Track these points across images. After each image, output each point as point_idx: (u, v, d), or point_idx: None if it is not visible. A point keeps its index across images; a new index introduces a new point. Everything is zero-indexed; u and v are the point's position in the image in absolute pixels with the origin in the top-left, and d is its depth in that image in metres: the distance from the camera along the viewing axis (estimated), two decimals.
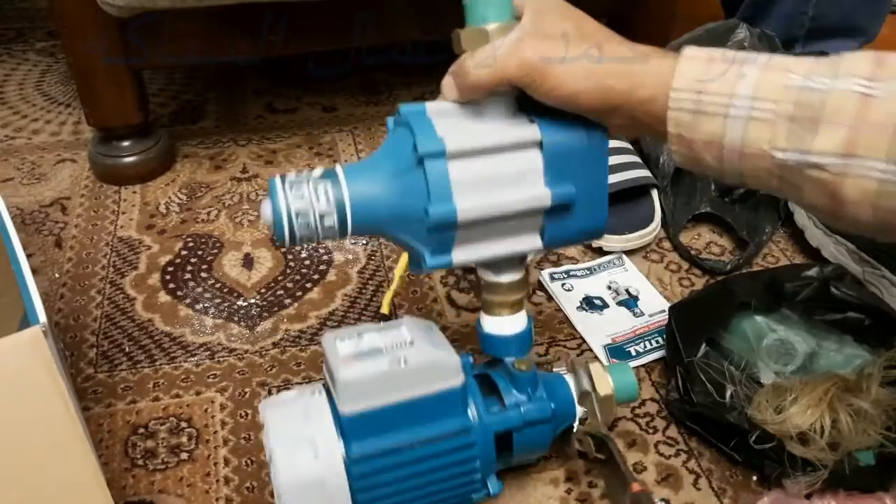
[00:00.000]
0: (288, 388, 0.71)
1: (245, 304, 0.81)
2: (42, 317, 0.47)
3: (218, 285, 0.83)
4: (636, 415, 0.69)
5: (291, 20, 0.92)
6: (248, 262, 0.86)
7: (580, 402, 0.59)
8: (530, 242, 0.52)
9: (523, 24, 0.48)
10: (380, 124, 1.11)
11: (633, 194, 0.88)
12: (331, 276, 0.84)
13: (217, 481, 0.63)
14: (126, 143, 0.97)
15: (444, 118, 0.50)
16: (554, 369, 0.61)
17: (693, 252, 0.86)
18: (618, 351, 0.75)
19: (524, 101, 0.50)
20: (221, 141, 1.08)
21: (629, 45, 0.48)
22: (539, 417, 0.56)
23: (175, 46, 0.91)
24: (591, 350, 0.75)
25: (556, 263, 0.86)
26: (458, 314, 0.80)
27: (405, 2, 0.96)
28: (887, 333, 0.65)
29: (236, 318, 0.79)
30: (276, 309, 0.80)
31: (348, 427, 0.50)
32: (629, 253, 0.87)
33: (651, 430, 0.68)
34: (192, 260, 0.86)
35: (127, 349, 0.75)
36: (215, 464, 0.65)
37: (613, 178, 0.87)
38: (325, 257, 0.87)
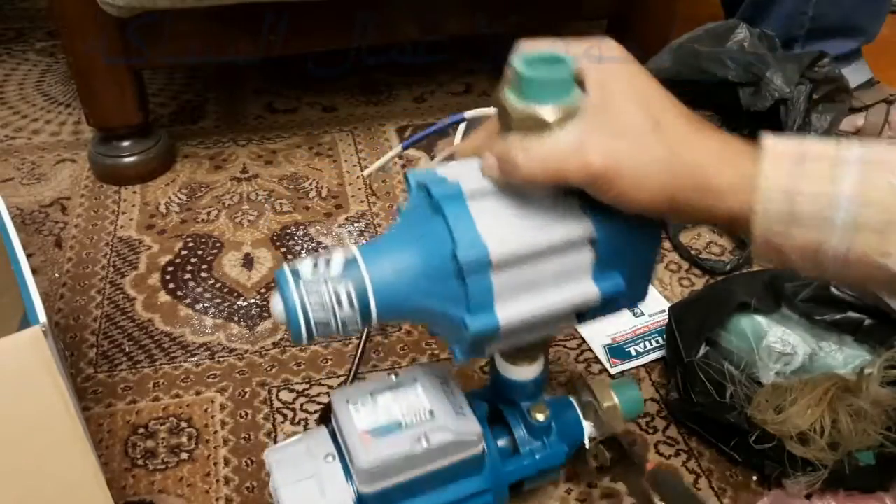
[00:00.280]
0: (288, 389, 0.71)
1: (245, 304, 0.81)
2: (42, 317, 0.47)
3: (218, 285, 0.83)
4: None
5: (291, 20, 0.92)
6: (248, 262, 0.86)
7: (586, 417, 0.57)
8: (566, 325, 0.48)
9: (587, 113, 0.41)
10: (380, 124, 1.11)
11: None
12: None
13: (217, 481, 0.63)
14: (126, 143, 0.97)
15: (482, 203, 0.43)
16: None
17: (693, 252, 0.86)
18: (618, 351, 0.75)
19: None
20: (221, 141, 1.08)
21: (702, 137, 0.42)
22: (553, 465, 0.55)
23: (175, 46, 0.91)
24: (591, 350, 0.75)
25: None
26: None
27: (405, 2, 0.96)
28: (887, 333, 0.65)
29: (236, 318, 0.79)
30: None
31: (366, 500, 0.48)
32: None
33: (651, 430, 0.68)
34: (192, 260, 0.86)
35: (127, 349, 0.75)
36: (215, 464, 0.65)
37: None
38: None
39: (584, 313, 0.47)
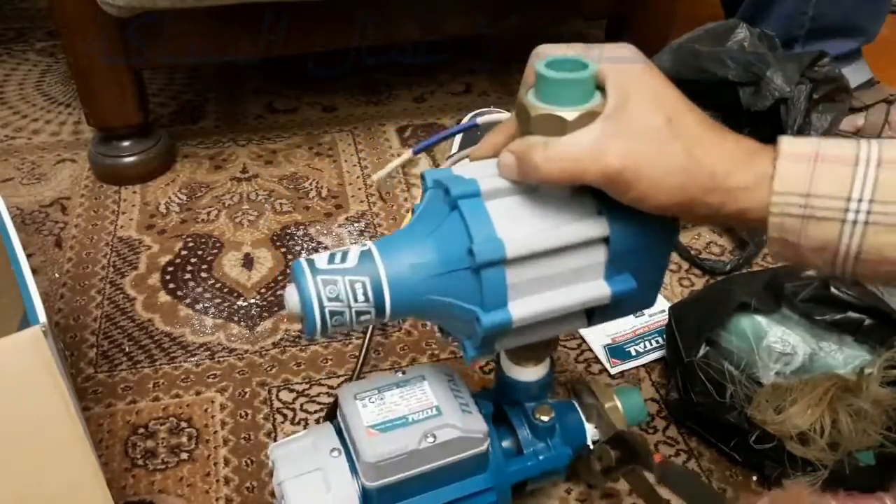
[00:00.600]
0: (288, 389, 0.71)
1: (245, 304, 0.81)
2: (42, 317, 0.47)
3: (218, 285, 0.83)
4: None
5: (291, 20, 0.92)
6: (248, 262, 0.86)
7: (588, 419, 0.57)
8: (576, 325, 0.49)
9: (606, 116, 0.42)
10: (380, 124, 1.11)
11: None
12: None
13: (217, 481, 0.63)
14: (126, 143, 0.97)
15: (499, 202, 0.44)
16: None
17: (693, 252, 0.86)
18: (618, 351, 0.75)
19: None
20: (221, 141, 1.08)
21: (718, 139, 0.42)
22: (556, 467, 0.55)
23: (175, 46, 0.91)
24: (591, 350, 0.75)
25: None
26: None
27: (405, 2, 0.96)
28: (887, 333, 0.65)
29: (236, 318, 0.79)
30: (276, 309, 0.80)
31: (371, 499, 0.48)
32: None
33: (651, 430, 0.68)
34: (192, 260, 0.86)
35: (127, 349, 0.75)
36: (215, 464, 0.65)
37: None
38: None
39: (594, 314, 0.48)
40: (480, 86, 1.19)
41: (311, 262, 0.42)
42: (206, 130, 1.11)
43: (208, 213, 0.94)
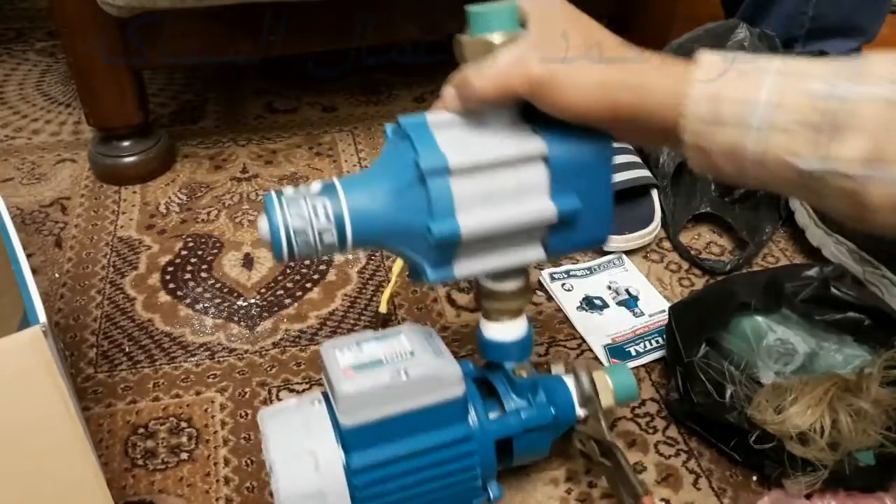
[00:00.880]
0: (288, 389, 0.71)
1: (245, 304, 0.81)
2: (42, 317, 0.47)
3: (218, 285, 0.83)
4: (636, 415, 0.69)
5: (291, 20, 0.92)
6: (248, 262, 0.86)
7: (581, 404, 0.59)
8: (533, 254, 0.51)
9: (529, 34, 0.47)
10: (379, 124, 1.11)
11: (633, 194, 0.88)
12: (331, 276, 0.84)
13: (217, 481, 0.63)
14: (126, 143, 0.97)
15: (445, 130, 0.48)
16: (552, 370, 0.62)
17: (693, 252, 0.86)
18: (618, 351, 0.75)
19: (528, 110, 0.49)
20: (221, 141, 1.08)
21: (642, 53, 0.47)
22: (539, 424, 0.56)
23: (175, 46, 0.91)
24: (591, 350, 0.75)
25: (556, 263, 0.86)
26: (458, 314, 0.80)
27: (405, 2, 0.96)
28: (887, 333, 0.65)
29: (236, 318, 0.79)
30: (276, 309, 0.80)
31: (349, 438, 0.50)
32: (629, 253, 0.87)
33: (651, 430, 0.68)
34: (192, 260, 0.86)
35: (127, 349, 0.75)
36: (215, 464, 0.65)
37: (613, 178, 0.87)
38: (325, 257, 0.87)
39: (549, 243, 0.51)
40: None
41: (279, 193, 0.47)
42: (206, 130, 1.11)
43: (208, 213, 0.94)
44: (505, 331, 0.56)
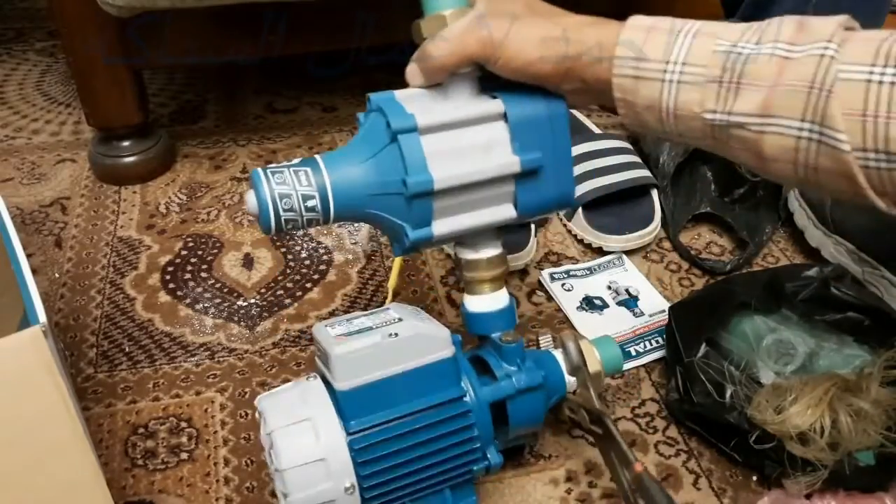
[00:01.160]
0: None
1: (245, 304, 0.81)
2: (42, 317, 0.47)
3: (218, 285, 0.83)
4: (636, 415, 0.69)
5: (291, 20, 0.92)
6: (248, 262, 0.86)
7: (570, 373, 0.60)
8: (504, 212, 0.55)
9: (477, 6, 0.51)
10: None
11: (633, 194, 0.88)
12: (331, 276, 0.84)
13: (217, 481, 0.63)
14: (126, 143, 0.97)
15: (412, 101, 0.52)
16: (541, 345, 0.62)
17: (693, 252, 0.86)
18: None
19: (485, 83, 0.54)
20: (221, 141, 1.08)
21: (577, 15, 0.52)
22: (531, 384, 0.57)
23: (175, 46, 0.91)
24: None
25: (556, 263, 0.86)
26: (458, 314, 0.80)
27: (405, 2, 0.96)
28: (887, 333, 0.65)
29: (236, 318, 0.79)
30: (276, 309, 0.80)
31: (345, 403, 0.51)
32: (629, 253, 0.87)
33: (651, 430, 0.68)
34: (192, 260, 0.86)
35: (127, 349, 0.75)
36: (215, 464, 0.65)
37: (613, 178, 0.87)
38: (325, 257, 0.87)
39: (522, 203, 0.54)
40: None
41: (264, 168, 0.51)
42: (206, 130, 1.11)
43: (208, 213, 0.94)
44: (487, 302, 0.58)
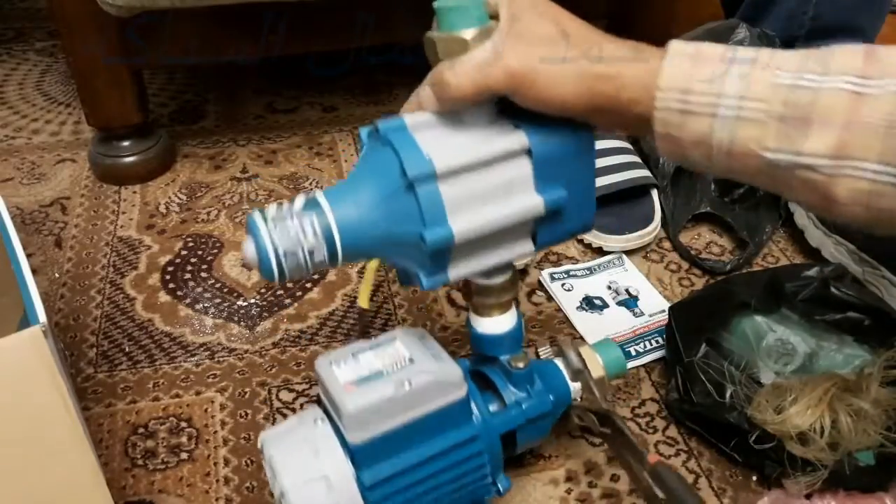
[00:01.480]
0: (288, 389, 0.71)
1: (245, 304, 0.81)
2: (42, 317, 0.47)
3: (218, 285, 0.83)
4: (636, 415, 0.69)
5: (291, 20, 0.92)
6: None
7: (572, 379, 0.59)
8: (523, 248, 0.51)
9: (501, 29, 0.46)
10: None
11: (633, 194, 0.88)
12: (331, 276, 0.84)
13: (217, 481, 0.63)
14: (126, 143, 0.97)
15: (425, 132, 0.47)
16: (540, 354, 0.62)
17: (693, 252, 0.86)
18: None
19: (505, 104, 0.48)
20: (221, 141, 1.08)
21: (612, 41, 0.47)
22: (541, 413, 0.56)
23: (175, 46, 0.91)
24: None
25: (556, 263, 0.86)
26: (458, 314, 0.80)
27: (405, 2, 0.96)
28: (887, 333, 0.65)
29: (236, 318, 0.79)
30: (276, 309, 0.80)
31: (359, 456, 0.49)
32: (629, 253, 0.87)
33: (651, 430, 0.68)
34: (192, 260, 0.86)
35: (127, 349, 0.75)
36: (215, 464, 0.65)
37: (613, 179, 0.87)
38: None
39: (537, 233, 0.51)
40: None
41: (262, 212, 0.45)
42: (206, 130, 1.11)
43: (208, 213, 0.94)
44: (497, 324, 0.56)
